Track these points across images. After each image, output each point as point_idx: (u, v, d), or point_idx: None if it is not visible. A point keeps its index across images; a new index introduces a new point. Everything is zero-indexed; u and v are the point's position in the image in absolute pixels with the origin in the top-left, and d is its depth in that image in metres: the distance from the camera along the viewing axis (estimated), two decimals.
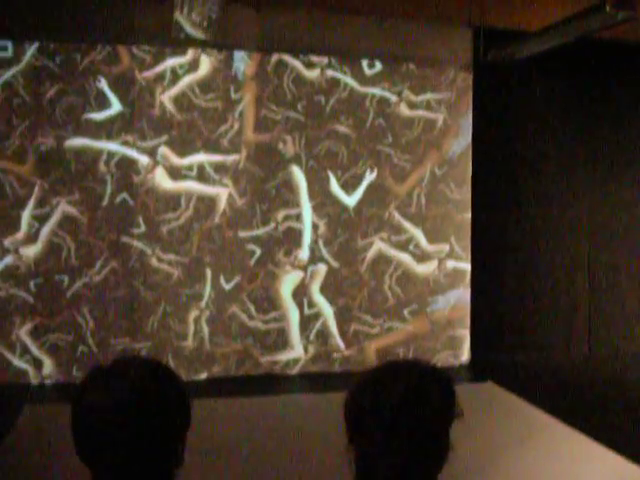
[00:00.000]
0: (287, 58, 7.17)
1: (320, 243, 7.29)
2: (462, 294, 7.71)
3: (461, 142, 7.63)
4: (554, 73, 8.08)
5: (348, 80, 7.30)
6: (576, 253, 8.43)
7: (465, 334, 7.74)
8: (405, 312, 7.53)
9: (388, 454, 1.62)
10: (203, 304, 7.06)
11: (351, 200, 7.36)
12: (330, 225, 7.32)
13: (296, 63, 7.19)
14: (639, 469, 4.97)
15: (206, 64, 6.97)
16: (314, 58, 7.23)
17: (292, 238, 7.24)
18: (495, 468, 4.95)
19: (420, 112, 7.50)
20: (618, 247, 8.63)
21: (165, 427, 1.60)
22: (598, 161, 8.46)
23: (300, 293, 7.28)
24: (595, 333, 8.50)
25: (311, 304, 7.31)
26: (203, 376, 7.05)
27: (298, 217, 7.25)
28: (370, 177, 7.38)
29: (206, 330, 7.07)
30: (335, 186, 7.31)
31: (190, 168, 6.96)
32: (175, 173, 6.94)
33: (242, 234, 7.11)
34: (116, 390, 1.58)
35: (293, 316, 7.27)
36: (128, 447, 1.56)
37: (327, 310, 7.35)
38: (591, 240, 8.49)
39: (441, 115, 7.55)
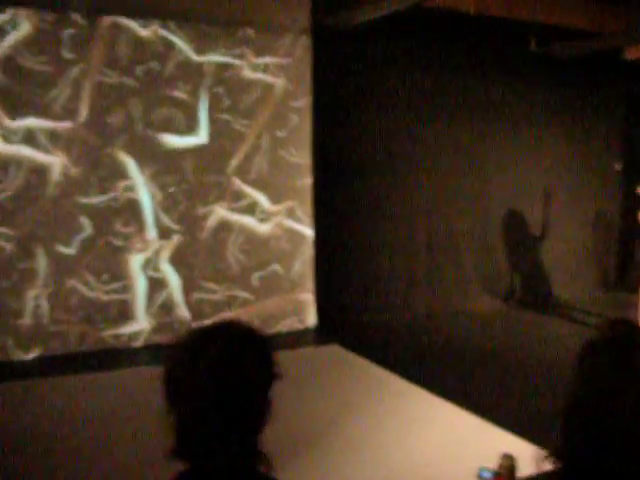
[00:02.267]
0: (122, 21, 6.90)
1: (160, 212, 7.12)
2: (306, 258, 7.76)
3: (301, 107, 7.64)
4: (392, 38, 8.20)
5: (185, 45, 7.12)
6: (415, 216, 8.67)
7: (310, 298, 7.81)
8: (249, 278, 7.51)
9: (203, 420, 1.61)
10: (40, 279, 6.74)
11: (190, 168, 7.21)
12: (169, 194, 7.16)
13: (132, 26, 6.93)
14: (477, 420, 5.24)
15: (33, 24, 6.58)
16: (150, 21, 7.00)
17: (131, 208, 7.03)
18: (341, 426, 5.04)
19: (259, 76, 7.44)
20: (455, 210, 8.95)
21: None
22: (437, 125, 8.69)
23: (142, 263, 7.10)
24: (434, 294, 8.80)
25: (153, 274, 7.15)
26: (41, 353, 6.76)
27: (135, 186, 7.03)
28: (209, 144, 7.27)
29: (44, 306, 6.77)
30: (173, 154, 7.15)
31: (19, 135, 6.58)
32: (4, 141, 6.55)
33: (78, 204, 6.83)
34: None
35: (135, 287, 7.09)
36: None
37: (170, 280, 7.21)
38: (430, 203, 8.75)
39: (280, 80, 7.52)
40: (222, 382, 1.60)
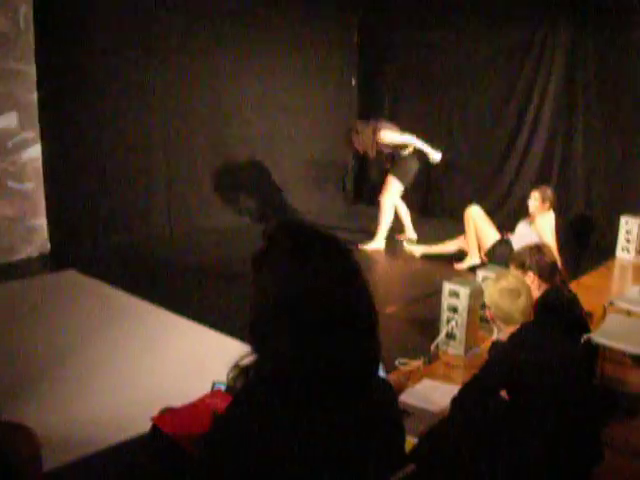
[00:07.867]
0: None
1: None
2: (35, 182, 7.19)
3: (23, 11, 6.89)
4: None
5: None
6: (152, 132, 8.32)
7: (42, 223, 7.30)
8: None
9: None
10: None
11: None
12: None
13: None
14: (216, 334, 5.28)
15: None
16: None
17: None
18: (79, 354, 4.83)
19: None
20: (193, 125, 8.71)
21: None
22: (173, 33, 8.35)
23: None
24: (174, 212, 8.60)
25: None
26: None
27: None
28: None
29: None
30: None
31: None
32: None
33: None
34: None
35: None
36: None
37: None
38: (167, 117, 8.43)
39: None
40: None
